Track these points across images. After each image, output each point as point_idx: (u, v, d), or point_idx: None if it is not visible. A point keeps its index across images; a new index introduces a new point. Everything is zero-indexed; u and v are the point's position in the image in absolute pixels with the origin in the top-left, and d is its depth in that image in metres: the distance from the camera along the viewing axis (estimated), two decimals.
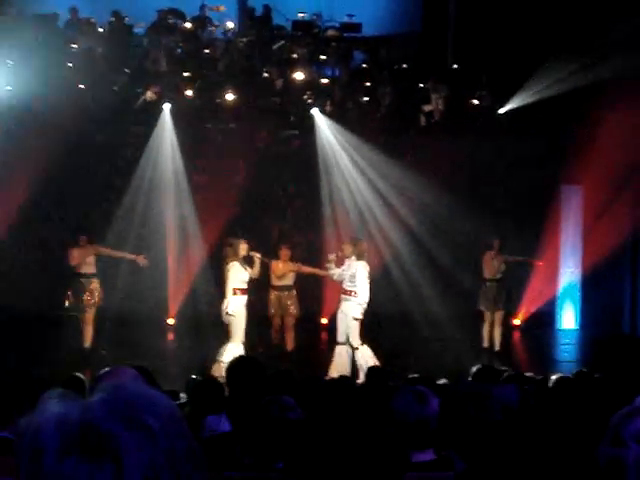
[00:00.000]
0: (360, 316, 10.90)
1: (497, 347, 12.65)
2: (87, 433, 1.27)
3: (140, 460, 1.26)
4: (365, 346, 10.90)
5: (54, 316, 12.22)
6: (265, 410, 3.64)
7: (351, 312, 10.89)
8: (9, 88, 13.00)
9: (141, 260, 11.85)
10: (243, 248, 10.96)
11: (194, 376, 7.74)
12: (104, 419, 1.28)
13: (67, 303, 11.80)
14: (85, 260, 11.70)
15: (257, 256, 11.12)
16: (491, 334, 12.70)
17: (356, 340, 10.90)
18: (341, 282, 11.07)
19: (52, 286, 12.53)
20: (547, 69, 13.67)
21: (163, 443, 1.29)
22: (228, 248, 11.02)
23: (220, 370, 10.51)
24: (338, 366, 10.76)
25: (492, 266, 12.53)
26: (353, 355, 10.88)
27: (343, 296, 11.02)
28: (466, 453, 3.13)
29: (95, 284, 11.87)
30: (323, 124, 14.13)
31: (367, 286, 10.91)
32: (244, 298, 11.01)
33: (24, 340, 11.63)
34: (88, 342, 11.82)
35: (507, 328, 13.88)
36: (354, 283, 10.89)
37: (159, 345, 12.57)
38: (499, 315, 12.74)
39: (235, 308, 10.86)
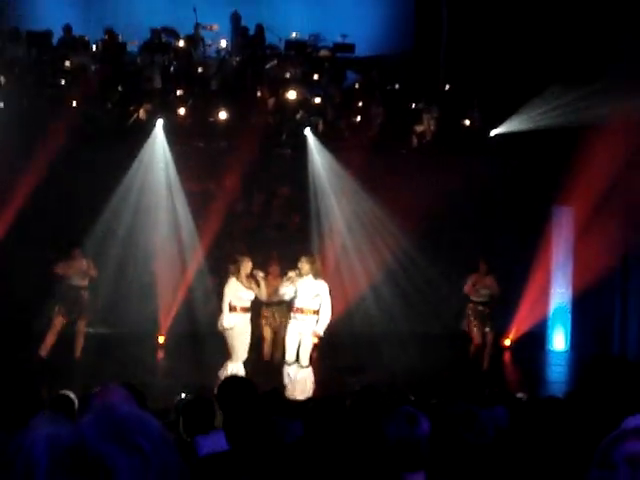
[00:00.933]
0: (322, 334, 10.87)
1: (485, 367, 12.68)
2: (79, 454, 1.27)
3: (134, 479, 1.27)
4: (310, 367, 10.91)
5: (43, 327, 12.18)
6: (267, 431, 3.64)
7: (312, 331, 10.82)
8: (0, 105, 13.05)
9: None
10: (247, 266, 10.88)
11: (184, 395, 7.73)
12: (96, 440, 1.28)
13: (57, 313, 11.83)
14: (75, 271, 11.75)
15: (260, 275, 11.00)
16: (478, 355, 12.72)
17: (307, 359, 10.86)
18: (290, 301, 10.99)
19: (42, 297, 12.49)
20: (541, 98, 13.76)
21: (155, 464, 1.30)
22: (231, 265, 10.96)
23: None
24: (299, 387, 10.69)
25: (475, 289, 12.55)
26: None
27: (300, 315, 10.92)
28: (457, 475, 3.13)
29: (85, 295, 11.92)
30: (314, 145, 14.26)
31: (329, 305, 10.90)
32: (244, 316, 10.87)
33: (11, 351, 11.59)
34: (78, 353, 11.89)
35: (497, 348, 13.92)
36: (316, 301, 10.85)
37: (149, 362, 12.54)
38: (489, 336, 12.77)
39: (231, 324, 10.76)
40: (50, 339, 11.74)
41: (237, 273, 10.80)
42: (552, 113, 13.89)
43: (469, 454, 3.07)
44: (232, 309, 10.79)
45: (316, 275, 10.85)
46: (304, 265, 10.82)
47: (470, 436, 3.14)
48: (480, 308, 12.63)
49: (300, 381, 10.76)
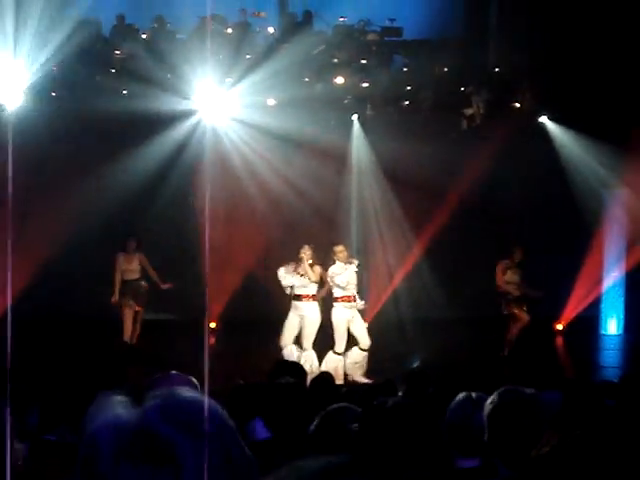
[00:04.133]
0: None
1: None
2: (143, 439, 1.29)
3: (199, 466, 1.28)
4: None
5: (103, 319, 12.39)
6: (330, 419, 3.64)
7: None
8: (54, 94, 13.24)
9: (167, 286, 12.21)
10: (304, 253, 11.02)
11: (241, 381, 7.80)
12: (160, 425, 1.30)
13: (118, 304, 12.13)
14: (129, 267, 12.00)
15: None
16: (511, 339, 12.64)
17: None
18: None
19: (100, 290, 12.69)
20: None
21: (218, 449, 1.32)
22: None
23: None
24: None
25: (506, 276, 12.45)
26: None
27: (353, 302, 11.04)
28: (511, 461, 3.13)
29: (141, 288, 12.14)
30: (359, 133, 14.37)
31: None
32: (296, 304, 11.08)
33: (70, 343, 11.76)
34: (130, 339, 12.13)
35: (550, 333, 13.86)
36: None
37: (201, 349, 12.64)
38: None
39: (290, 313, 11.09)
40: (131, 329, 12.13)
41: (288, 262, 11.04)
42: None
43: (525, 440, 3.07)
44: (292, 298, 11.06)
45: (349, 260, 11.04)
46: (343, 249, 10.99)
47: (527, 422, 3.14)
48: (517, 293, 12.53)
49: (350, 365, 10.94)
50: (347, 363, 11.03)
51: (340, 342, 11.05)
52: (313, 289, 11.09)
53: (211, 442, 1.31)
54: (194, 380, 4.03)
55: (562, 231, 14.12)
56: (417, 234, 14.49)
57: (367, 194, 14.80)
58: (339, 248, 11.18)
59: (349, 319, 11.07)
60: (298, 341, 11.07)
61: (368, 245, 14.47)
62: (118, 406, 1.35)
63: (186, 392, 1.40)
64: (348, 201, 14.78)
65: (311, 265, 10.96)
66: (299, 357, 10.72)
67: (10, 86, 11.19)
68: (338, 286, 10.95)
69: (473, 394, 3.98)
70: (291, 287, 11.07)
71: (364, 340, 11.07)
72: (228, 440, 1.35)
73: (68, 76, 13.10)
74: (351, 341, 11.18)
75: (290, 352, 10.84)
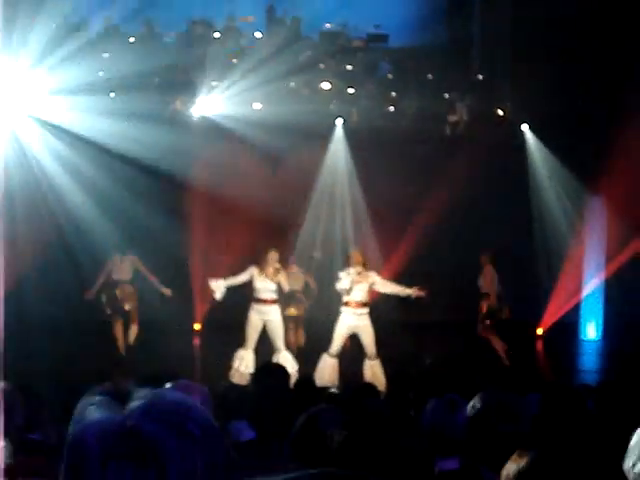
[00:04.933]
0: None
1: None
2: (130, 439, 1.29)
3: (183, 465, 1.29)
4: None
5: (92, 324, 12.42)
6: (311, 422, 3.71)
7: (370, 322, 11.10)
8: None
9: (166, 292, 12.26)
10: (270, 257, 11.11)
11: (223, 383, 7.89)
12: (147, 426, 1.30)
13: (106, 309, 12.15)
14: (119, 267, 12.09)
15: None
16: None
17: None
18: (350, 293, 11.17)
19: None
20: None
21: (204, 450, 1.32)
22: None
23: (234, 376, 10.80)
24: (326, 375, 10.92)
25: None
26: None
27: (360, 309, 11.18)
28: (493, 464, 3.21)
29: (128, 289, 12.19)
30: (340, 138, 14.48)
31: None
32: (257, 307, 11.18)
33: (59, 347, 11.78)
34: (122, 348, 12.16)
35: (529, 337, 14.00)
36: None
37: (184, 351, 12.69)
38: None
39: (248, 314, 11.17)
40: (119, 337, 12.30)
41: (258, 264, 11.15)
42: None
43: (504, 442, 3.16)
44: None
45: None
46: (359, 255, 11.10)
47: (508, 425, 3.22)
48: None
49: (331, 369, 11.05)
50: (365, 371, 11.10)
51: (335, 344, 11.14)
52: (275, 293, 11.21)
53: (196, 443, 1.31)
54: (204, 388, 4.07)
55: (541, 237, 14.29)
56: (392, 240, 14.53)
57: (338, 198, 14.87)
58: (350, 253, 11.34)
59: (351, 325, 11.15)
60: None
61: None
62: (103, 407, 1.38)
63: (171, 393, 1.43)
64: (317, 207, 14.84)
65: (277, 270, 11.07)
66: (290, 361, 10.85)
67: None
68: (341, 291, 11.11)
69: (447, 397, 4.09)
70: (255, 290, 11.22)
71: (369, 349, 11.14)
72: (212, 441, 1.34)
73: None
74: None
75: (285, 357, 10.93)
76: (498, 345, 12.62)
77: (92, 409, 1.40)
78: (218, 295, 11.18)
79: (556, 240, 14.50)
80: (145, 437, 1.29)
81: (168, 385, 4.01)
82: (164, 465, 1.27)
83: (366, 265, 11.15)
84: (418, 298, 11.09)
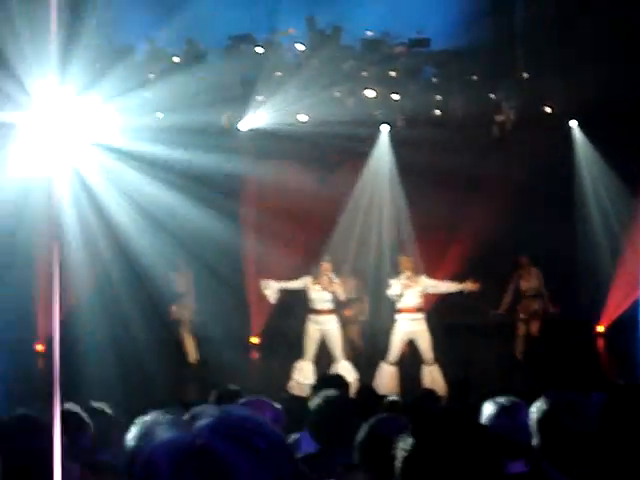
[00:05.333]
0: None
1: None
2: (199, 457, 1.30)
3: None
4: None
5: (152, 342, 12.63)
6: (375, 430, 3.71)
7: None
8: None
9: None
10: (324, 268, 11.18)
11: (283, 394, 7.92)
12: (216, 443, 1.31)
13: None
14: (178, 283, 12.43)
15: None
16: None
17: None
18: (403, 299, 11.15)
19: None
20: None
21: (271, 465, 1.33)
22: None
23: (294, 388, 10.83)
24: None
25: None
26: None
27: (415, 314, 11.14)
28: (565, 466, 3.16)
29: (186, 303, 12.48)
30: (385, 144, 14.42)
31: None
32: (314, 318, 11.23)
33: (122, 367, 11.93)
34: (193, 357, 12.35)
35: (590, 335, 13.85)
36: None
37: (243, 365, 12.75)
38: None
39: (306, 325, 11.23)
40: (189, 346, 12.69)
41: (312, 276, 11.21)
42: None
43: (574, 443, 3.12)
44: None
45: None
46: (407, 263, 11.11)
47: (576, 425, 3.18)
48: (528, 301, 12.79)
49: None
50: (424, 377, 11.10)
51: (392, 352, 11.15)
52: (331, 303, 11.22)
53: (264, 459, 1.32)
54: (277, 405, 4.09)
55: (598, 234, 14.13)
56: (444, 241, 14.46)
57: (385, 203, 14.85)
58: (399, 259, 11.38)
59: (407, 331, 11.14)
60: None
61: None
62: (172, 426, 1.39)
63: (238, 409, 1.42)
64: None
65: (331, 280, 11.11)
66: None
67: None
68: (393, 299, 11.15)
69: (503, 400, 4.05)
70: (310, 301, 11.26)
71: (427, 355, 11.12)
72: (280, 456, 1.35)
73: None
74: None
75: (344, 367, 10.94)
76: (520, 344, 12.67)
77: (162, 428, 1.40)
78: (272, 298, 11.25)
79: (610, 237, 14.32)
80: (214, 455, 1.30)
81: (241, 401, 4.02)
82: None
83: (415, 270, 11.17)
84: (471, 292, 11.06)
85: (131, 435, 2.67)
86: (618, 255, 14.34)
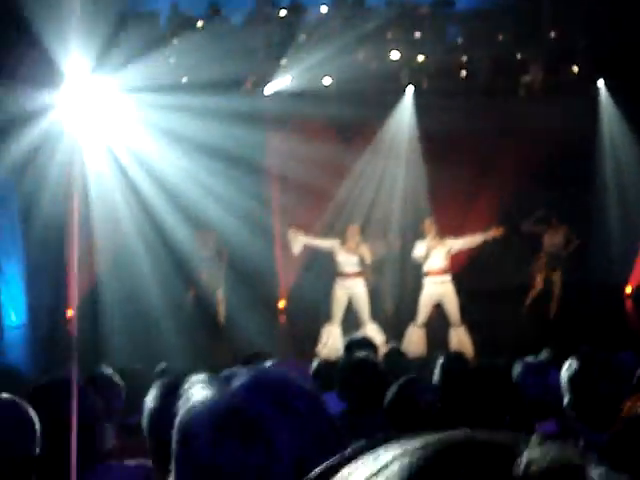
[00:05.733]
0: None
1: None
2: (237, 417, 1.29)
3: (291, 442, 1.29)
4: None
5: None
6: (402, 392, 3.72)
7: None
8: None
9: None
10: (351, 232, 11.18)
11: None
12: (253, 403, 1.30)
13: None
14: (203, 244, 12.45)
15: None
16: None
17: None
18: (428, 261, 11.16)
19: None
20: None
21: (310, 425, 1.31)
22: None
23: (322, 351, 10.88)
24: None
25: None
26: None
27: (442, 277, 11.16)
28: (595, 424, 3.15)
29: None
30: (408, 105, 14.32)
31: None
32: (341, 281, 11.26)
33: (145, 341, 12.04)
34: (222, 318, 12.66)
35: (619, 296, 13.81)
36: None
37: (271, 329, 12.78)
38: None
39: (333, 289, 11.30)
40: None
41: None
42: None
43: (606, 401, 3.11)
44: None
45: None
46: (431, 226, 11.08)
47: (607, 383, 3.17)
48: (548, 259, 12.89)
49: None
50: (451, 339, 11.13)
51: (420, 315, 11.18)
52: (358, 266, 11.24)
53: (301, 418, 1.31)
54: (302, 366, 4.11)
55: (625, 195, 14.02)
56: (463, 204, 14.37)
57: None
58: (424, 223, 11.36)
59: (434, 293, 11.17)
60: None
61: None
62: (208, 386, 1.40)
63: (274, 370, 1.43)
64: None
65: (358, 243, 11.12)
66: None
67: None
68: (418, 260, 11.16)
69: (532, 360, 4.04)
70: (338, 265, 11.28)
71: (454, 317, 11.14)
72: (317, 415, 1.34)
73: None
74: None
75: (372, 329, 10.98)
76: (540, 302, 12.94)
77: (197, 389, 1.40)
78: (296, 249, 11.29)
79: (637, 198, 14.17)
80: (251, 415, 1.29)
81: (268, 363, 4.05)
82: (272, 442, 1.28)
83: (439, 233, 11.17)
84: (496, 238, 11.06)
85: (151, 396, 2.70)
86: None
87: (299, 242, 11.28)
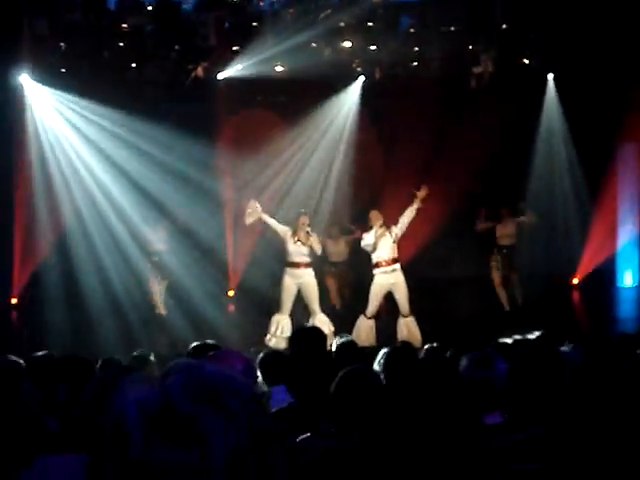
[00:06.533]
0: None
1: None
2: (169, 417, 1.27)
3: (225, 441, 1.27)
4: None
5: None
6: (347, 381, 3.69)
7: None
8: (63, 70, 13.27)
9: None
10: (301, 222, 11.15)
11: (252, 349, 7.94)
12: (185, 402, 1.28)
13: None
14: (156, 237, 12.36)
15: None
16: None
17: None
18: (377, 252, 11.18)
19: None
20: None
21: (244, 423, 1.29)
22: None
23: (270, 341, 10.86)
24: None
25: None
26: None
27: (391, 266, 11.17)
28: (537, 416, 3.17)
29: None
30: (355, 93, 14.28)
31: None
32: (291, 271, 11.22)
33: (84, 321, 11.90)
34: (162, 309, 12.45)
35: (565, 287, 13.96)
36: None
37: (219, 318, 12.71)
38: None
39: (282, 279, 11.25)
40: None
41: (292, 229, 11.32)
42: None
43: (547, 395, 3.12)
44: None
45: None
46: (377, 215, 11.09)
47: (550, 376, 3.18)
48: (504, 252, 12.96)
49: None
50: (400, 329, 11.16)
51: (371, 306, 11.19)
52: (308, 256, 11.23)
53: (235, 417, 1.28)
54: (246, 357, 4.06)
55: (574, 186, 14.18)
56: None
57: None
58: (370, 214, 11.35)
59: (385, 284, 11.17)
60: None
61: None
62: (144, 382, 1.36)
63: (208, 365, 1.37)
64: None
65: (309, 234, 11.10)
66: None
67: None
68: (367, 250, 11.17)
69: (478, 352, 4.05)
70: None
71: (403, 307, 11.16)
72: (252, 413, 1.32)
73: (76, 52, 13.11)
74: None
75: (321, 320, 10.96)
76: (502, 296, 12.94)
77: (131, 384, 1.36)
78: (250, 219, 11.25)
79: (584, 190, 14.35)
80: (184, 414, 1.27)
81: (210, 354, 4.00)
82: (206, 441, 1.26)
83: (385, 223, 11.21)
84: (424, 199, 11.10)
85: (89, 389, 2.66)
86: (594, 207, 14.40)
87: (255, 214, 11.25)
